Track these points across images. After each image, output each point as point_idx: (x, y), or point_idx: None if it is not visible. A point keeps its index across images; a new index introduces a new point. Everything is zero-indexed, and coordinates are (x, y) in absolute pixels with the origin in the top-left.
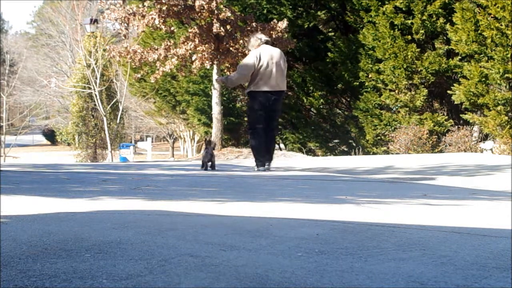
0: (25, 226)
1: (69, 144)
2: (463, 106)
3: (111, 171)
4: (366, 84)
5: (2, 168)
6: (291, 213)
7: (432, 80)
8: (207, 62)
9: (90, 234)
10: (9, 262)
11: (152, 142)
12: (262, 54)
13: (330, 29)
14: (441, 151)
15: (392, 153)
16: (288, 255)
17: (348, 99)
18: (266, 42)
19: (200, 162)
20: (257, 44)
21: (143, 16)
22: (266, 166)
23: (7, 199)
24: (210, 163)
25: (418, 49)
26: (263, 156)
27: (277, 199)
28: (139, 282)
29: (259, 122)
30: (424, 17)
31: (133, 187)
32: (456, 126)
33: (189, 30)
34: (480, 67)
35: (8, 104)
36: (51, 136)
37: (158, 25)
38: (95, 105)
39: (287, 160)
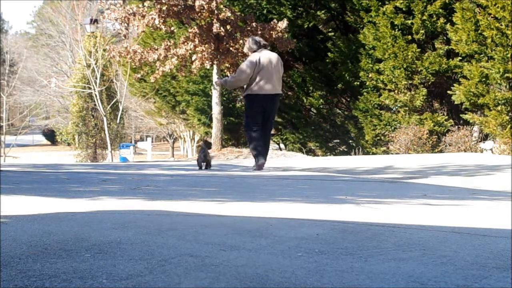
0: (25, 226)
1: (69, 144)
2: (463, 106)
3: (111, 171)
4: (367, 83)
5: (2, 168)
6: (291, 213)
7: (432, 80)
8: (207, 62)
9: (90, 234)
10: (9, 262)
11: (152, 142)
12: (261, 57)
13: (330, 29)
14: (441, 151)
15: (392, 153)
16: (288, 255)
17: (348, 99)
18: (265, 46)
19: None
20: (256, 48)
21: (143, 16)
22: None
23: (7, 199)
24: (205, 162)
25: (419, 49)
26: (262, 155)
27: (277, 199)
28: (139, 282)
29: (257, 123)
30: (425, 17)
31: (133, 187)
32: (456, 126)
33: (189, 30)
34: (480, 67)
35: (8, 104)
36: (51, 136)
37: (158, 25)
38: (95, 105)
39: (287, 160)
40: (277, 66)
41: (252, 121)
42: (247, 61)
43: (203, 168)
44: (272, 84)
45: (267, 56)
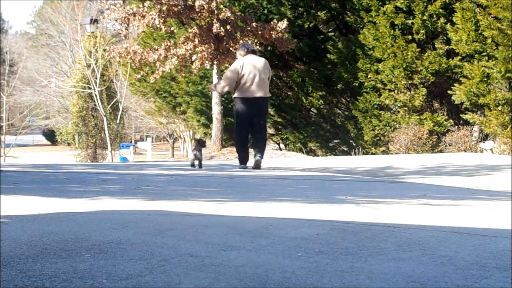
0: (25, 226)
1: (69, 144)
2: (463, 106)
3: (111, 171)
4: (366, 84)
5: (2, 168)
6: (291, 213)
7: (432, 80)
8: (207, 62)
9: (90, 234)
10: (9, 262)
11: (152, 142)
12: (245, 63)
13: (331, 29)
14: (441, 151)
15: (392, 153)
16: (288, 255)
17: (348, 100)
18: (253, 52)
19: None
20: (244, 53)
21: (143, 16)
22: (256, 157)
23: (7, 199)
24: (197, 161)
25: (418, 49)
26: (245, 156)
27: (277, 199)
28: (139, 282)
29: (242, 125)
30: (425, 17)
31: (133, 187)
32: (456, 126)
33: (189, 30)
34: (481, 66)
35: (8, 104)
36: (51, 136)
37: (158, 25)
38: (95, 105)
39: (287, 160)
40: (263, 71)
41: (239, 124)
42: (231, 67)
43: (196, 166)
44: (255, 88)
45: (251, 61)
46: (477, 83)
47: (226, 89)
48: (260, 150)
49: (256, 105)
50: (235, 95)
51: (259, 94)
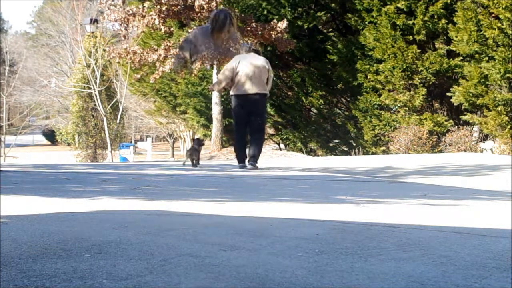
0: (25, 226)
1: (69, 144)
2: (463, 107)
3: (111, 171)
4: (365, 85)
5: (2, 168)
6: (291, 213)
7: (433, 80)
8: (207, 62)
9: (90, 234)
10: (9, 262)
11: (152, 142)
12: (241, 60)
13: (330, 29)
14: (441, 151)
15: (392, 153)
16: (288, 255)
17: (348, 99)
18: (254, 51)
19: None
20: (244, 52)
21: (143, 16)
22: (248, 166)
23: (7, 199)
24: (194, 160)
25: (419, 50)
26: (244, 155)
27: (277, 199)
28: (139, 282)
29: (239, 123)
30: (426, 18)
31: (133, 187)
32: (456, 126)
33: (189, 30)
34: (480, 67)
35: (8, 104)
36: (51, 136)
37: (158, 26)
38: (95, 105)
39: (287, 160)
40: (261, 69)
41: (237, 122)
42: (227, 65)
43: (191, 164)
44: (250, 85)
45: (249, 59)
46: (475, 84)
47: (222, 86)
48: (254, 156)
49: (252, 101)
50: (231, 92)
51: (254, 90)
